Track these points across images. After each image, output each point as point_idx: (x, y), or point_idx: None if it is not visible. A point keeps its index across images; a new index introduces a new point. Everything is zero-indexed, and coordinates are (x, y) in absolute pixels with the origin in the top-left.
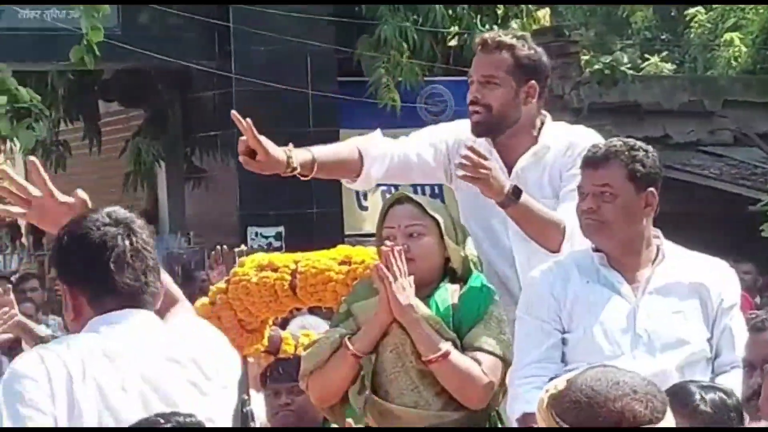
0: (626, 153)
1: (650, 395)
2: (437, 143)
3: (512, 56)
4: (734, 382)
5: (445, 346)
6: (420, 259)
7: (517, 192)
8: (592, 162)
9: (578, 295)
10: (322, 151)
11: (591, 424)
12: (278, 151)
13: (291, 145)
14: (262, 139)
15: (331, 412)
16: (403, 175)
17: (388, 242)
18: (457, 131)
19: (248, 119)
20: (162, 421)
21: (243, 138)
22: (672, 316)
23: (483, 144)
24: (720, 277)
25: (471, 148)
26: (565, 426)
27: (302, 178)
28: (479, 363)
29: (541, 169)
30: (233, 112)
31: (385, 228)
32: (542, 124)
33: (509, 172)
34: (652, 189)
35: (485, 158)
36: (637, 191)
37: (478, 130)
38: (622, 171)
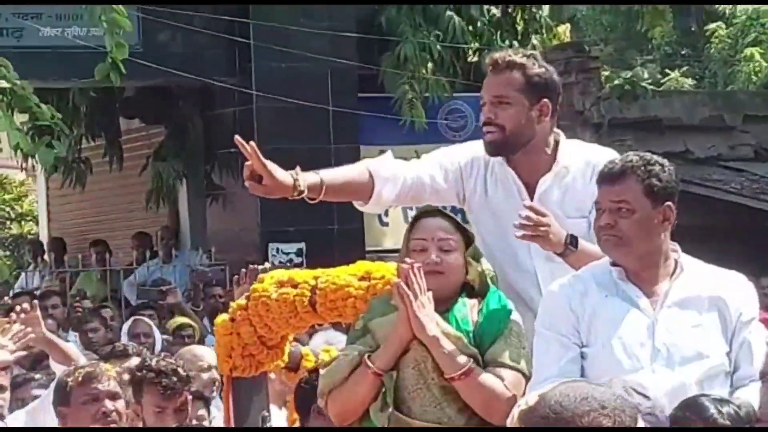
0: (642, 168)
1: (618, 410)
2: (450, 165)
3: (523, 75)
4: (752, 395)
5: (468, 363)
6: (450, 273)
7: (574, 240)
8: (608, 178)
9: (597, 309)
10: (331, 174)
11: None
12: (284, 175)
13: (298, 168)
14: (268, 163)
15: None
16: (416, 198)
17: (408, 259)
18: (471, 152)
19: (252, 143)
20: None
21: (248, 163)
22: (691, 329)
23: (498, 161)
24: (738, 291)
25: (531, 207)
26: None
27: (310, 202)
28: (502, 379)
29: (562, 190)
30: (236, 137)
31: (414, 239)
32: (556, 142)
33: (528, 192)
34: (669, 203)
35: (544, 215)
36: (654, 206)
37: (491, 150)
38: (639, 186)
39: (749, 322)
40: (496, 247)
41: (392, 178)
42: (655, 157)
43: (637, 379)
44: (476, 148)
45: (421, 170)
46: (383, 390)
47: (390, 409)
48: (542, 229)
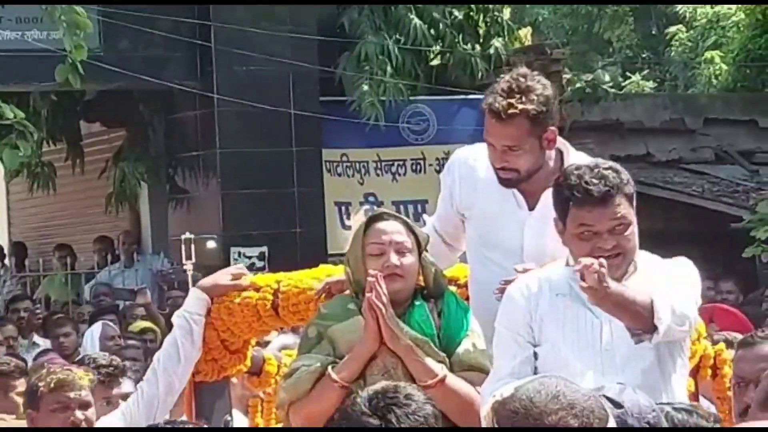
0: (621, 180)
1: (588, 411)
2: (447, 198)
3: (527, 118)
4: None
5: (442, 370)
6: (408, 276)
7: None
8: (600, 200)
9: (548, 309)
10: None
11: None
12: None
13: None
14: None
15: None
16: (460, 240)
17: (372, 270)
18: (459, 163)
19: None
20: None
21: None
22: None
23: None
24: (676, 267)
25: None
26: None
27: None
28: (473, 383)
29: None
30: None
31: (372, 243)
32: (560, 152)
33: (526, 200)
34: (635, 205)
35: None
36: (635, 214)
37: (508, 186)
38: (626, 200)
39: (672, 281)
40: (496, 252)
41: (444, 254)
42: (610, 163)
43: (584, 380)
44: (463, 155)
45: (440, 225)
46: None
47: None
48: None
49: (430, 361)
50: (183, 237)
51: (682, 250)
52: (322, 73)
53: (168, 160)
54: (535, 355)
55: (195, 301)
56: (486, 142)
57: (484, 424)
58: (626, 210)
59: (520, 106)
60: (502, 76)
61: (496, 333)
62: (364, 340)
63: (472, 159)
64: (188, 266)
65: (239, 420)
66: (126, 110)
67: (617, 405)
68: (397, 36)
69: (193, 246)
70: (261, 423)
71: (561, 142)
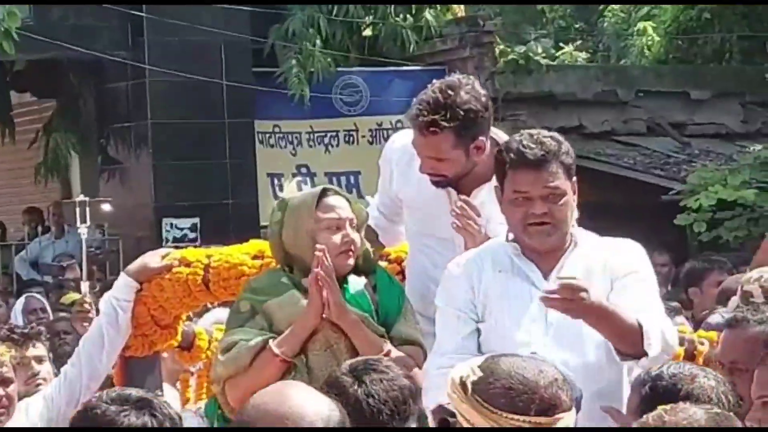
0: (558, 149)
1: (567, 383)
2: (386, 184)
3: (453, 133)
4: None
5: (386, 344)
6: (356, 253)
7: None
8: (533, 164)
9: (490, 285)
10: None
11: (524, 411)
12: None
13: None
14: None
15: None
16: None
17: (319, 245)
18: (394, 150)
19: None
20: None
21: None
22: None
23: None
24: (626, 253)
25: (465, 201)
26: (493, 409)
27: None
28: (410, 356)
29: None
30: None
31: (327, 218)
32: (497, 144)
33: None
34: (575, 177)
35: (477, 213)
36: (571, 184)
37: (438, 186)
38: (561, 169)
39: (629, 275)
40: (433, 239)
41: (383, 228)
42: (554, 133)
43: (528, 355)
44: (391, 150)
45: (380, 209)
46: (292, 374)
47: None
48: (474, 227)
49: (374, 337)
50: (77, 200)
51: (613, 221)
52: (254, 44)
53: (99, 130)
54: (478, 331)
55: (123, 287)
56: (415, 149)
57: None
58: (561, 180)
59: (443, 124)
60: (431, 89)
61: (438, 310)
62: (307, 315)
63: (408, 147)
64: (82, 229)
65: (169, 394)
66: (56, 80)
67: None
68: (329, 7)
69: (87, 209)
70: (191, 397)
71: (498, 135)
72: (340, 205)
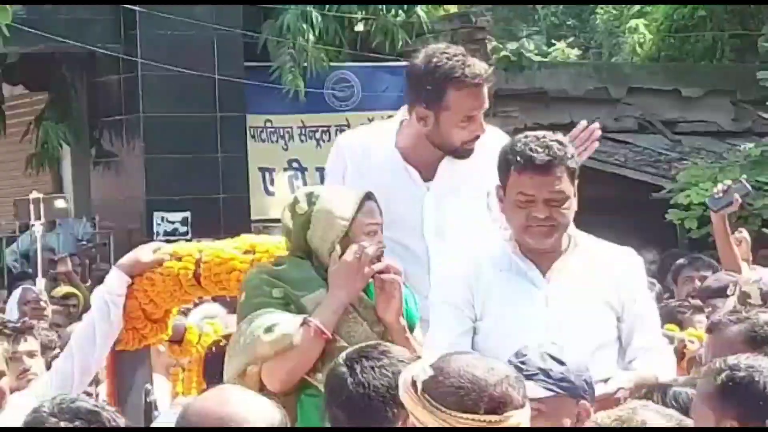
0: (564, 153)
1: (518, 380)
2: (337, 180)
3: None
4: (646, 365)
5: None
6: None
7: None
8: (540, 168)
9: (491, 285)
10: None
11: (473, 409)
12: None
13: None
14: None
15: (286, 400)
16: None
17: (365, 243)
18: (344, 147)
19: None
20: None
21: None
22: (582, 303)
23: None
24: (627, 264)
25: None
26: (443, 409)
27: None
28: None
29: (462, 173)
30: None
31: (369, 224)
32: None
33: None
34: (577, 180)
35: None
36: (574, 188)
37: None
38: (566, 173)
39: (638, 295)
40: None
41: None
42: (559, 135)
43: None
44: (343, 148)
45: None
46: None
47: None
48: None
49: (417, 346)
50: (31, 197)
51: (604, 218)
52: (247, 38)
53: (92, 123)
54: (476, 330)
55: (115, 281)
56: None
57: (404, 400)
58: (566, 184)
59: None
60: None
61: (433, 307)
62: (339, 304)
63: (361, 144)
64: (37, 226)
65: (164, 386)
66: (49, 73)
67: (560, 362)
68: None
69: (42, 205)
70: (181, 392)
71: (493, 130)
72: (376, 210)
